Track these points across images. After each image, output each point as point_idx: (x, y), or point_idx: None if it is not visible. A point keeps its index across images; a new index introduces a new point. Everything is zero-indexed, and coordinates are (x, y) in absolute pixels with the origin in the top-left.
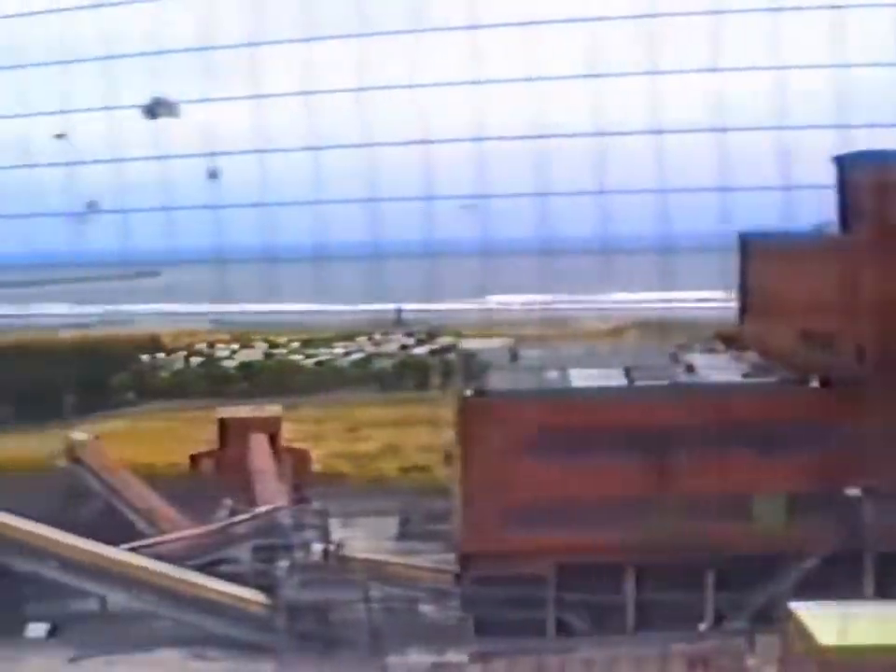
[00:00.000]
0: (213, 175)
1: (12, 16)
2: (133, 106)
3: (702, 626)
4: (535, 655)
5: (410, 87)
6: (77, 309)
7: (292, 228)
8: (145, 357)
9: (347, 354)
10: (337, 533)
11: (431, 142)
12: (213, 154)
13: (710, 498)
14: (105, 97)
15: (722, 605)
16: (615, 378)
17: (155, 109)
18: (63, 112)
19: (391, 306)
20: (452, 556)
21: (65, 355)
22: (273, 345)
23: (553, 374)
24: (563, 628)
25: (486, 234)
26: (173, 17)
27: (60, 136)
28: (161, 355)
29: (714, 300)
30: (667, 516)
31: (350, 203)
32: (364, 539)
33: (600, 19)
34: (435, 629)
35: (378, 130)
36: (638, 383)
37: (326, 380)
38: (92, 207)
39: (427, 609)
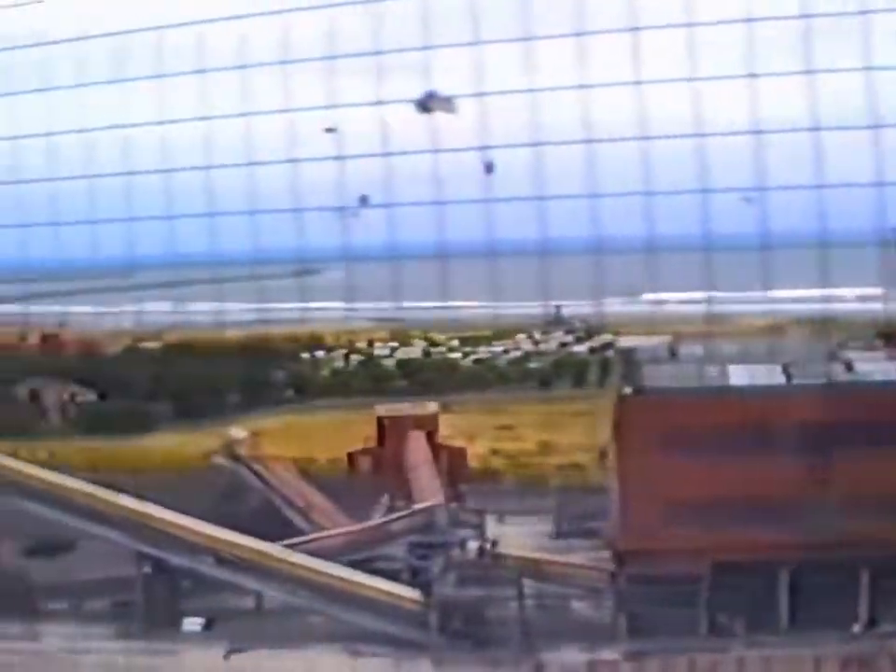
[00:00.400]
0: (489, 168)
1: (278, 12)
2: (407, 101)
3: (856, 627)
4: (688, 654)
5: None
6: (240, 307)
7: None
8: (305, 355)
9: (505, 352)
10: (492, 531)
11: (595, 140)
12: (485, 148)
13: (869, 497)
14: (375, 92)
15: (879, 606)
16: (774, 376)
17: (429, 104)
18: (331, 107)
19: (551, 304)
20: (607, 554)
21: (227, 352)
22: (432, 343)
23: (711, 372)
24: (716, 627)
25: (651, 231)
26: (442, 11)
27: (330, 131)
28: (322, 353)
29: (874, 297)
30: (825, 515)
31: (517, 201)
32: (519, 536)
33: (757, 19)
34: (589, 627)
35: (546, 127)
36: (797, 380)
37: (483, 378)
38: (364, 202)
39: (581, 606)
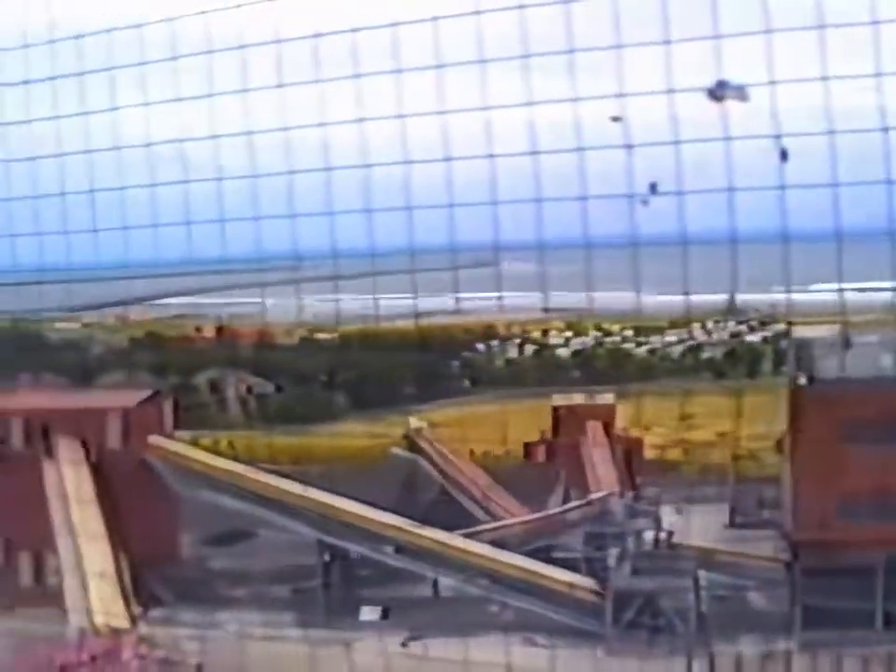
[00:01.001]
0: (783, 156)
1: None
2: (697, 89)
3: None
4: (862, 647)
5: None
6: (416, 298)
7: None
8: (480, 346)
9: (679, 342)
10: (668, 521)
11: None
12: (778, 136)
13: None
14: (665, 80)
15: None
16: None
17: (720, 92)
18: (619, 95)
19: (724, 294)
20: (783, 545)
21: (403, 343)
22: (606, 333)
23: (887, 361)
24: (892, 620)
25: (834, 221)
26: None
27: (616, 119)
28: (497, 343)
29: None
30: None
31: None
32: (694, 526)
33: None
34: (764, 618)
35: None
36: None
37: (657, 368)
38: (653, 189)
39: (756, 597)
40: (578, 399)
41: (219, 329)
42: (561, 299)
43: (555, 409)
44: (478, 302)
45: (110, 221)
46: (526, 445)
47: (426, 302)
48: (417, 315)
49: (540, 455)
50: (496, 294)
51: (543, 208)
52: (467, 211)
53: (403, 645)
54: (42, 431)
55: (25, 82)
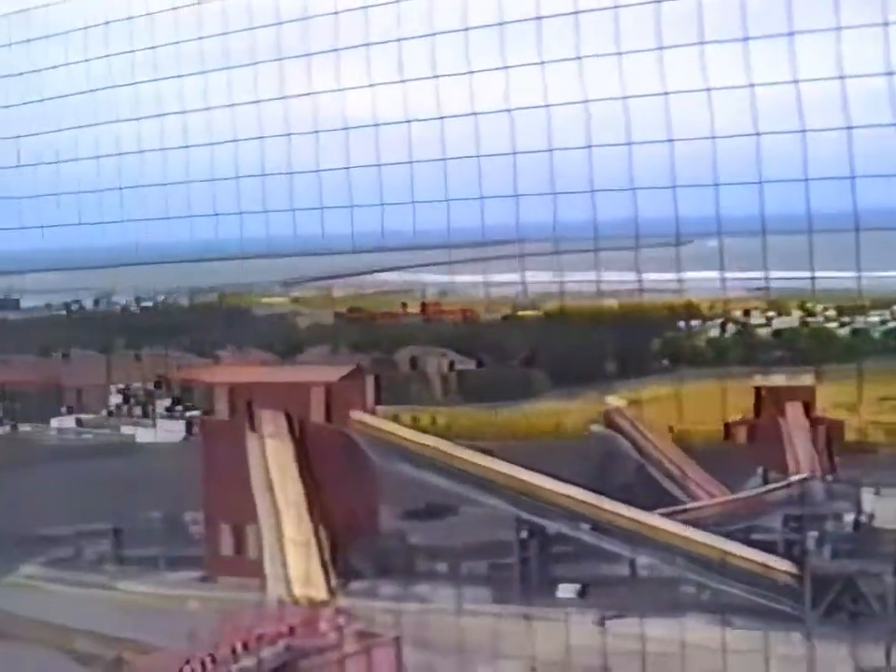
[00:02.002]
0: None
1: None
2: None
3: None
4: None
5: None
6: (615, 276)
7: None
8: (681, 324)
9: (882, 322)
10: (868, 504)
11: None
12: None
13: None
14: None
15: None
16: None
17: None
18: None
19: None
20: None
21: (604, 322)
22: (809, 313)
23: None
24: None
25: None
26: None
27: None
28: (697, 322)
29: None
30: None
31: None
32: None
33: None
34: None
35: None
36: None
37: (860, 348)
38: None
39: None
40: (779, 379)
41: (423, 306)
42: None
43: (757, 389)
44: (677, 281)
45: (310, 200)
46: (727, 425)
47: (625, 281)
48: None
49: (741, 435)
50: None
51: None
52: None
53: (600, 623)
54: (247, 404)
55: (254, 63)
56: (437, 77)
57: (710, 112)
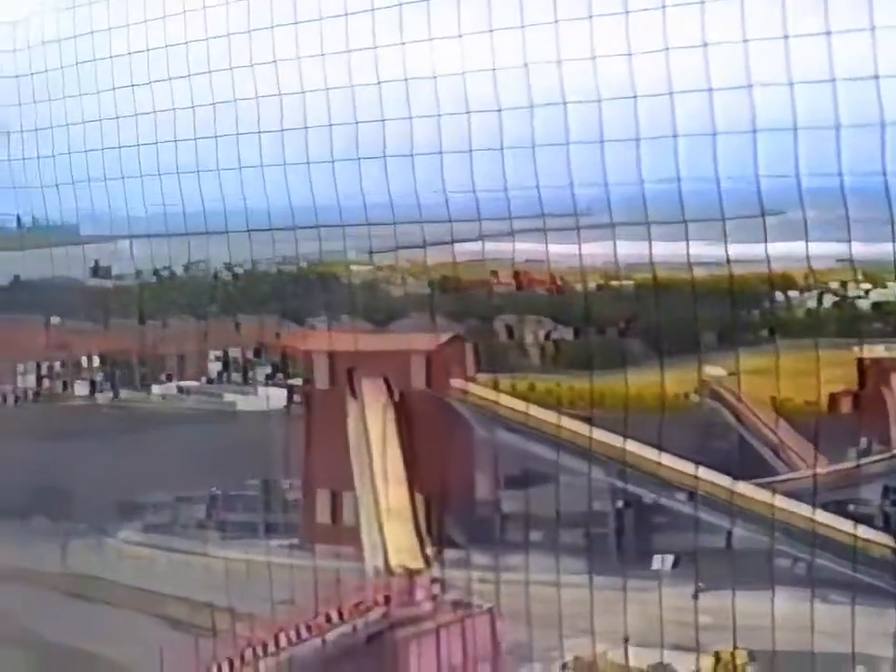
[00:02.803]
0: None
1: None
2: None
3: None
4: None
5: None
6: (712, 247)
7: None
8: (778, 296)
9: None
10: None
11: None
12: None
13: None
14: None
15: None
16: None
17: None
18: None
19: None
20: None
21: (699, 292)
22: None
23: None
24: None
25: None
26: None
27: None
28: (794, 293)
29: None
30: None
31: None
32: None
33: None
34: None
35: None
36: None
37: None
38: None
39: None
40: (883, 350)
41: (516, 275)
42: (860, 248)
43: (860, 360)
44: (775, 251)
45: (403, 169)
46: (831, 396)
47: (723, 251)
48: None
49: (845, 406)
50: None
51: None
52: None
53: (694, 596)
54: (347, 372)
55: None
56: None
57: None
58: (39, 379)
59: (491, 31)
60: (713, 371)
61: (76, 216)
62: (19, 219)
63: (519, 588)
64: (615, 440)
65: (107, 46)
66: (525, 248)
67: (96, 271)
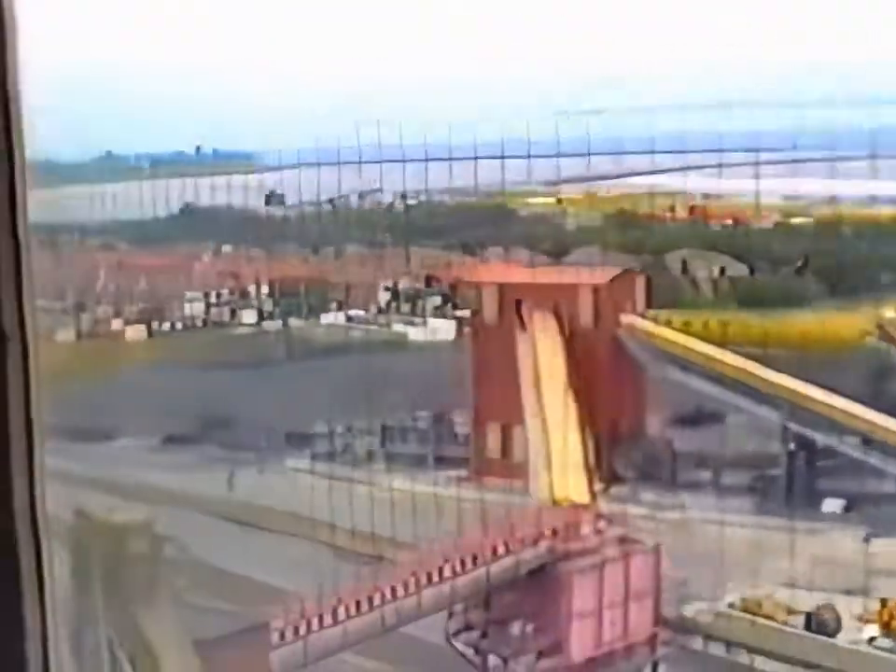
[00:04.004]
0: None
1: None
2: None
3: None
4: None
5: None
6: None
7: None
8: None
9: None
10: None
11: None
12: None
13: None
14: None
15: None
16: None
17: None
18: None
19: None
20: None
21: (880, 230)
22: None
23: None
24: None
25: None
26: None
27: None
28: None
29: None
30: None
31: None
32: None
33: None
34: None
35: None
36: None
37: None
38: None
39: None
40: None
41: (692, 209)
42: None
43: None
44: None
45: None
46: None
47: None
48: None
49: None
50: None
51: None
52: None
53: (865, 541)
54: (516, 304)
55: None
56: None
57: None
58: (208, 306)
59: None
60: (891, 312)
61: (252, 145)
62: (198, 149)
63: (685, 526)
64: (788, 380)
65: None
66: (701, 184)
67: (270, 199)
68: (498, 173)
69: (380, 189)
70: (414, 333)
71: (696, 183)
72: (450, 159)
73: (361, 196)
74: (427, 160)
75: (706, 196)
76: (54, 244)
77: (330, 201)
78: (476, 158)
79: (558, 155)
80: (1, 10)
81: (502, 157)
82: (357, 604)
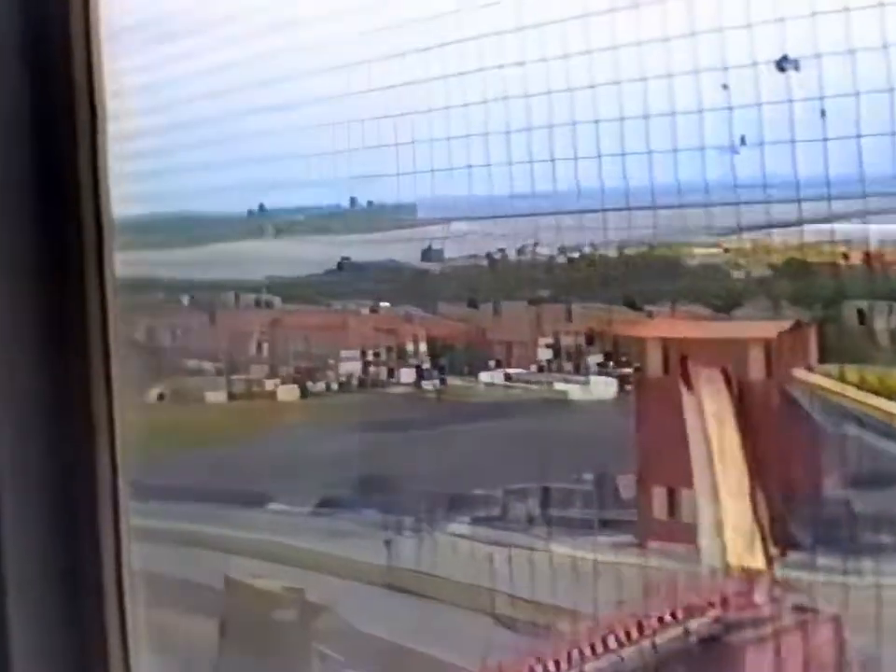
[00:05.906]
0: None
1: None
2: None
3: None
4: None
5: None
6: None
7: None
8: None
9: None
10: None
11: None
12: None
13: None
14: None
15: None
16: None
17: None
18: None
19: None
20: None
21: None
22: None
23: None
24: None
25: None
26: None
27: None
28: None
29: None
30: None
31: None
32: None
33: None
34: None
35: None
36: None
37: None
38: None
39: None
40: None
41: (866, 256)
42: None
43: None
44: None
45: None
46: None
47: None
48: None
49: None
50: None
51: None
52: None
53: None
54: (682, 360)
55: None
56: None
57: None
58: (365, 365)
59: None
60: None
61: (412, 197)
62: (353, 201)
63: (869, 594)
64: None
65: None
66: (878, 229)
67: (428, 254)
68: (665, 222)
69: (539, 243)
70: (576, 391)
71: (873, 228)
72: (603, 209)
73: (521, 250)
74: (581, 211)
75: (882, 242)
76: (206, 303)
77: (489, 255)
78: (629, 208)
79: (737, 202)
80: None
81: (653, 206)
82: None
